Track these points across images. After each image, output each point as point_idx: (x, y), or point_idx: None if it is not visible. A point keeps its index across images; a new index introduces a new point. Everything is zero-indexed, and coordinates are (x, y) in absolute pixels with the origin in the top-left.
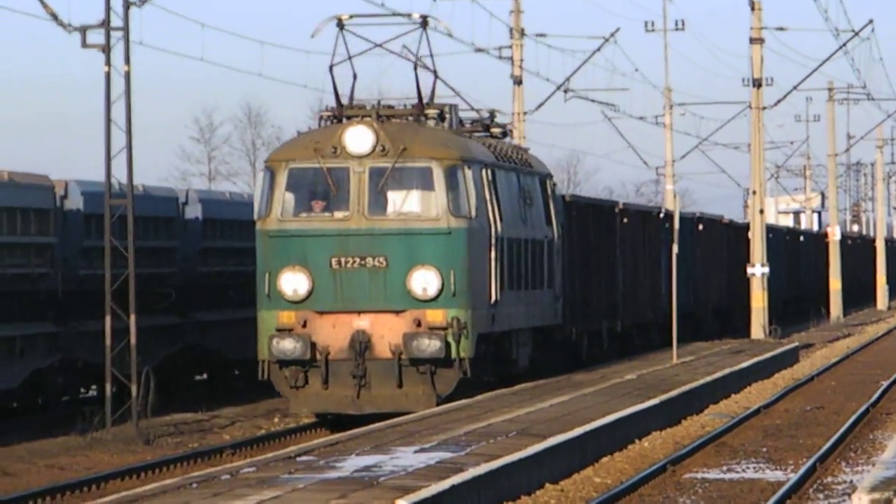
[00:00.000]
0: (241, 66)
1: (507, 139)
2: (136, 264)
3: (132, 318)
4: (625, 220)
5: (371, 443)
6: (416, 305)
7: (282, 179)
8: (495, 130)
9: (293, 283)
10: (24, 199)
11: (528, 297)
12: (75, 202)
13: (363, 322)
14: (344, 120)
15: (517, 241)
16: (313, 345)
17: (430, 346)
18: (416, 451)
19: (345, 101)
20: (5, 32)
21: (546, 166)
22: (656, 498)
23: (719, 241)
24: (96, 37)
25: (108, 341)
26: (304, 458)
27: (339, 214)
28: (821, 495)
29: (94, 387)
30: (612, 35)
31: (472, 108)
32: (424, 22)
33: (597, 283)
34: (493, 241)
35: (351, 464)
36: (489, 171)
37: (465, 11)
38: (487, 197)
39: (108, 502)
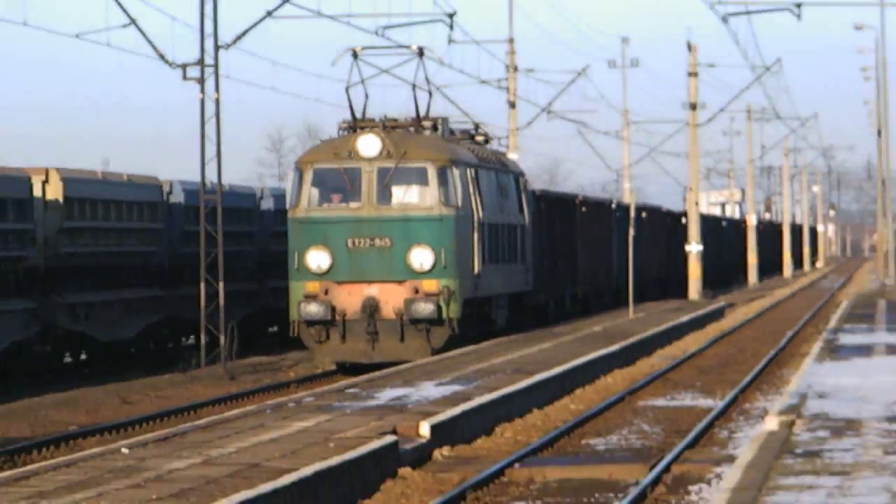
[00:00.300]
0: (303, 93)
1: (489, 145)
2: (223, 244)
3: (220, 285)
4: (583, 209)
5: (401, 379)
6: (415, 276)
7: (308, 177)
8: (479, 138)
9: (317, 259)
10: (139, 195)
11: (504, 269)
12: (178, 197)
13: (373, 290)
14: (357, 130)
15: (496, 225)
16: (333, 308)
17: (425, 308)
18: (435, 385)
19: (358, 115)
20: (123, 67)
21: (519, 166)
22: (617, 420)
23: (660, 226)
24: (194, 72)
25: (202, 302)
26: (351, 390)
27: (353, 205)
28: (741, 418)
29: (192, 337)
30: (583, 70)
31: (471, 120)
32: (421, 52)
33: (561, 259)
34: (476, 225)
35: (386, 395)
36: (472, 170)
37: (473, 51)
38: (471, 190)
39: (202, 424)
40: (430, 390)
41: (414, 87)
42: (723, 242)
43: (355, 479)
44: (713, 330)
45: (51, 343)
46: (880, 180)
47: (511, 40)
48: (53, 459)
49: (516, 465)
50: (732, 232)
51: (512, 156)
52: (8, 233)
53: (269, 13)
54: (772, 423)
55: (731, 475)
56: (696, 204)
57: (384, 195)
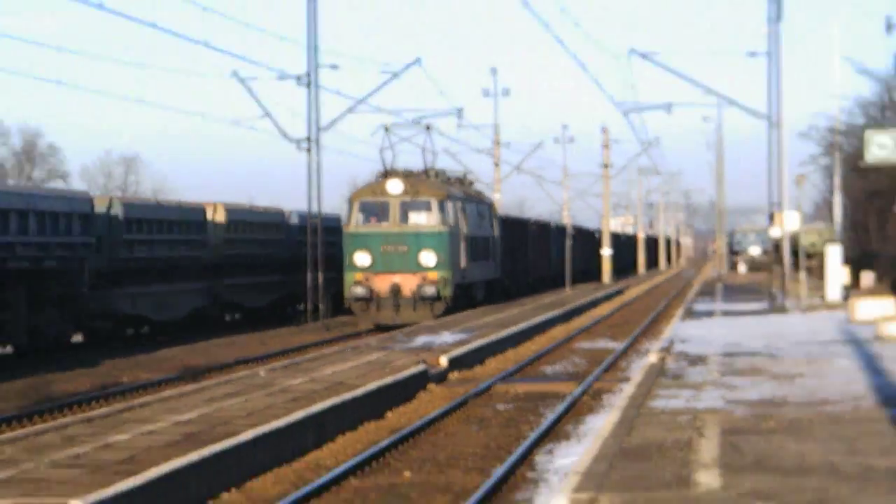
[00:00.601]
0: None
1: (473, 186)
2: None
3: (320, 274)
4: (533, 228)
5: (428, 331)
6: (423, 270)
7: (356, 206)
8: (465, 181)
9: (362, 258)
10: (270, 218)
11: (482, 265)
12: (294, 220)
13: (397, 278)
14: (387, 177)
15: (475, 237)
16: (371, 290)
17: (429, 290)
18: (450, 334)
19: (388, 167)
20: (254, 140)
21: (492, 199)
22: (559, 356)
23: (584, 238)
24: (304, 144)
25: (309, 283)
26: (399, 338)
27: (384, 224)
28: (634, 355)
29: (301, 305)
30: (539, 145)
31: (464, 171)
32: (427, 128)
33: (519, 259)
34: (462, 237)
35: (419, 341)
36: (460, 202)
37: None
38: (459, 215)
39: (309, 357)
40: (446, 337)
41: (423, 150)
42: (623, 249)
43: (402, 391)
44: (618, 301)
45: (217, 309)
46: (718, 211)
47: (496, 125)
48: (218, 378)
49: (499, 383)
50: (629, 242)
51: (496, 195)
52: (192, 242)
53: (350, 109)
54: (652, 358)
55: (628, 389)
56: (608, 225)
57: (404, 218)
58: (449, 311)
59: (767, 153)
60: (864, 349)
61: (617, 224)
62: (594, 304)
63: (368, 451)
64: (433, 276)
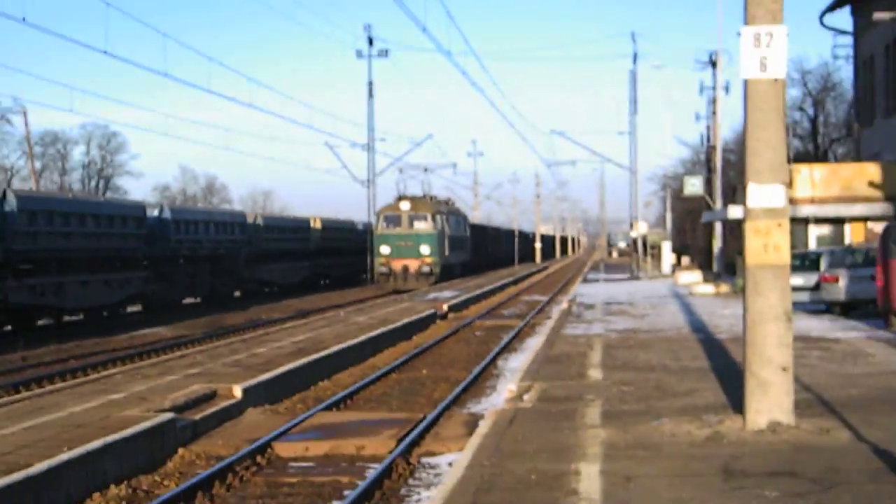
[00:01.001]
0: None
1: (454, 205)
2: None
3: (369, 258)
4: (491, 230)
5: (435, 291)
6: (422, 257)
7: (381, 217)
8: (450, 203)
9: (384, 249)
10: (345, 225)
11: (458, 253)
12: (360, 227)
13: (406, 262)
14: (400, 199)
15: (454, 237)
16: (391, 269)
17: (425, 269)
18: (449, 292)
19: (402, 193)
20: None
21: (466, 214)
22: (511, 305)
23: (525, 238)
24: (366, 183)
25: (368, 263)
26: (418, 295)
27: (398, 229)
28: (553, 304)
29: (364, 275)
30: (498, 185)
31: (451, 197)
32: (426, 169)
33: (483, 249)
34: (446, 237)
35: (430, 296)
36: (445, 215)
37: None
38: (443, 223)
39: (368, 304)
40: (446, 294)
41: (422, 183)
42: (547, 243)
43: (422, 324)
44: (544, 273)
45: (315, 277)
46: (601, 221)
47: (475, 173)
48: (317, 317)
49: (477, 320)
50: (551, 239)
51: (475, 212)
52: (301, 238)
53: (391, 164)
54: (564, 305)
55: (550, 323)
56: (539, 229)
57: (410, 225)
58: (437, 282)
59: (629, 188)
60: (683, 300)
61: (545, 229)
62: (531, 274)
63: (402, 358)
64: (428, 260)
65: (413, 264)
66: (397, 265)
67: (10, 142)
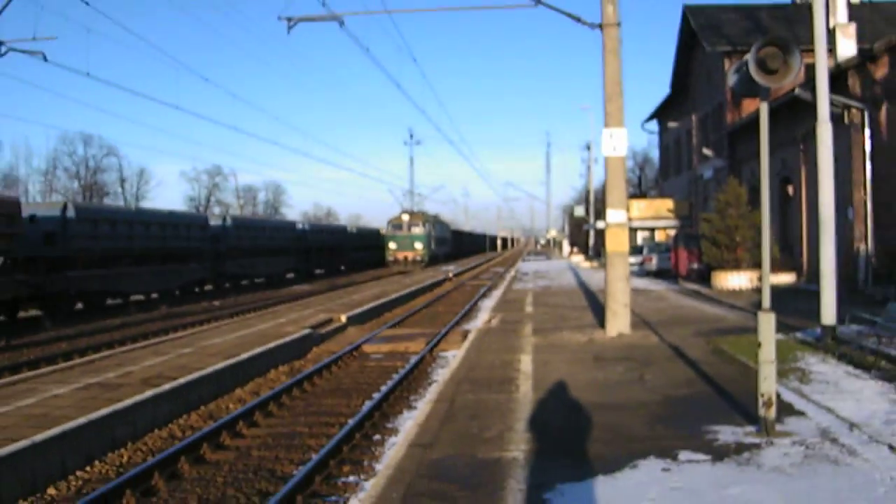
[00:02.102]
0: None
1: (440, 217)
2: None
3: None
4: (467, 234)
5: (443, 266)
6: (416, 250)
7: (389, 225)
8: (437, 216)
9: (392, 246)
10: (371, 232)
11: (443, 248)
12: (381, 231)
13: (406, 254)
14: (402, 213)
15: (440, 237)
16: (396, 256)
17: (417, 258)
18: (453, 266)
19: (404, 209)
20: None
21: (447, 222)
22: (485, 273)
23: (491, 238)
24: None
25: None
26: (433, 270)
27: (401, 231)
28: (508, 274)
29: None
30: (483, 206)
31: (438, 213)
32: (418, 193)
33: (462, 246)
34: (433, 237)
35: (442, 269)
36: (432, 224)
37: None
38: (431, 228)
39: (400, 276)
40: (450, 267)
41: (413, 200)
42: (502, 240)
43: (438, 283)
44: (501, 257)
45: (352, 264)
46: (531, 230)
47: (465, 206)
48: (360, 284)
49: (467, 281)
50: (505, 239)
51: (466, 226)
52: (344, 239)
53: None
54: (512, 272)
55: (505, 283)
56: (499, 233)
57: (408, 229)
58: (426, 266)
59: (545, 213)
60: (574, 270)
61: (503, 233)
62: (494, 257)
63: (426, 302)
64: (420, 253)
65: (410, 255)
66: (400, 255)
67: (225, 190)
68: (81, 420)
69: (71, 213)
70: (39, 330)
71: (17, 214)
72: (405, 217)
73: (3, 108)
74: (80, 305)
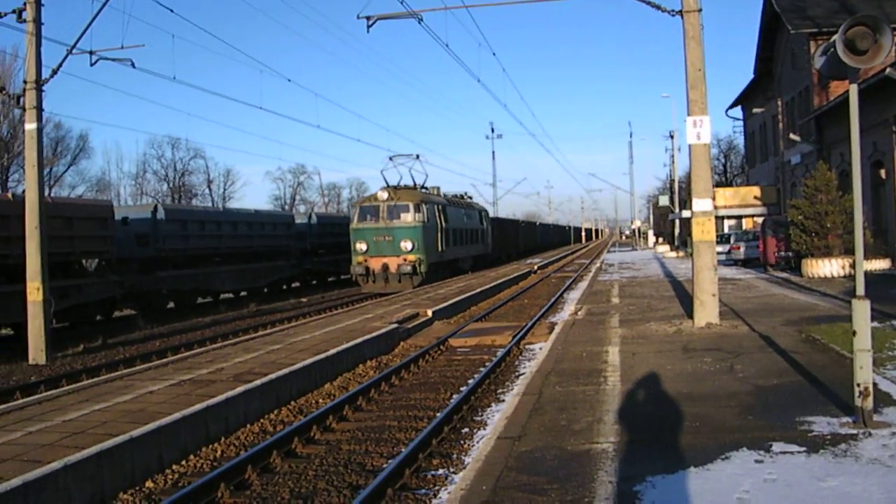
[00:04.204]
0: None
1: (470, 199)
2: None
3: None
4: (522, 224)
5: (527, 261)
6: (404, 254)
7: (357, 209)
8: (463, 197)
9: (361, 245)
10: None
11: (469, 247)
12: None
13: (385, 260)
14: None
15: (459, 229)
16: (367, 268)
17: (406, 268)
18: (538, 259)
19: (391, 183)
20: None
21: (484, 207)
22: (569, 266)
23: (576, 230)
24: (493, 208)
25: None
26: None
27: (375, 221)
28: (593, 265)
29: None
30: (523, 179)
31: (465, 193)
32: (417, 157)
33: (504, 242)
34: (440, 229)
35: (527, 261)
36: (439, 206)
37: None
38: (437, 214)
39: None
40: (535, 259)
41: (410, 169)
42: (588, 232)
43: (524, 277)
44: (585, 248)
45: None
46: (615, 220)
47: (494, 175)
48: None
49: (552, 273)
50: (590, 231)
51: (498, 207)
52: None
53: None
54: (597, 264)
55: (591, 275)
56: (583, 223)
57: (390, 217)
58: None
59: (629, 204)
60: (660, 261)
61: (587, 224)
62: (578, 249)
63: (511, 295)
64: (411, 257)
65: (394, 262)
66: (375, 263)
67: (310, 188)
68: (176, 415)
69: (161, 214)
70: (134, 329)
71: (110, 217)
72: (382, 194)
73: (94, 115)
74: (171, 304)
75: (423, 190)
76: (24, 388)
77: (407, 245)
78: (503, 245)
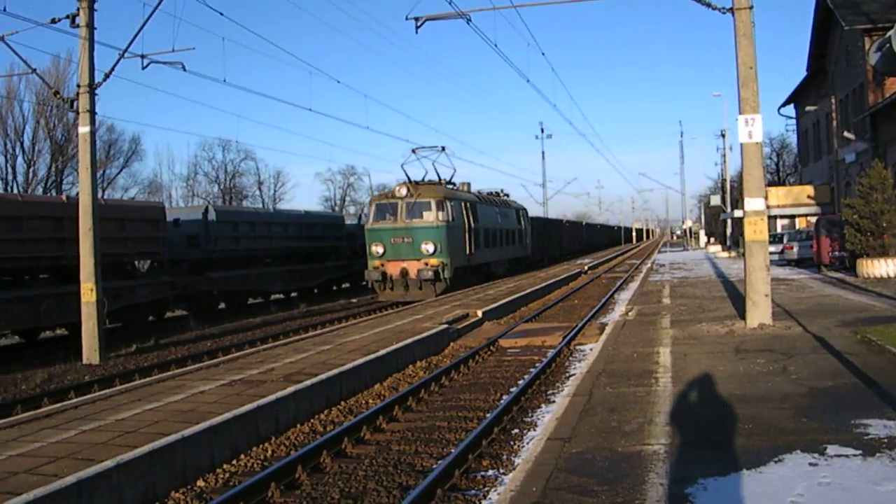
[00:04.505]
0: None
1: (508, 198)
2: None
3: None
4: (566, 224)
5: (583, 260)
6: (425, 257)
7: (373, 207)
8: (502, 195)
9: (377, 248)
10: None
11: (504, 248)
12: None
13: (405, 264)
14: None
15: (493, 229)
16: (384, 273)
17: (428, 273)
18: (588, 259)
19: (413, 179)
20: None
21: (521, 206)
22: (620, 266)
23: (626, 230)
24: (543, 205)
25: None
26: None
27: (393, 221)
28: (644, 265)
29: None
30: (573, 179)
31: (502, 190)
32: (443, 149)
33: (547, 243)
34: (467, 230)
35: (577, 262)
36: (466, 203)
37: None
38: (465, 213)
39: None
40: (585, 260)
41: (434, 162)
42: (638, 232)
43: (574, 277)
44: (635, 249)
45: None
46: (666, 220)
47: (544, 175)
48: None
49: (603, 273)
50: (637, 230)
51: (542, 207)
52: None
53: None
54: (648, 264)
55: (641, 275)
56: (633, 224)
57: (409, 215)
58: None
59: (680, 204)
60: (712, 261)
61: (637, 224)
62: (629, 249)
63: (562, 295)
64: (433, 261)
65: (413, 266)
66: (393, 268)
67: (359, 189)
68: (227, 415)
69: (212, 215)
70: (186, 329)
71: (161, 219)
72: (400, 191)
73: (146, 117)
74: (222, 305)
75: (451, 186)
76: (78, 388)
77: (429, 247)
78: (545, 246)
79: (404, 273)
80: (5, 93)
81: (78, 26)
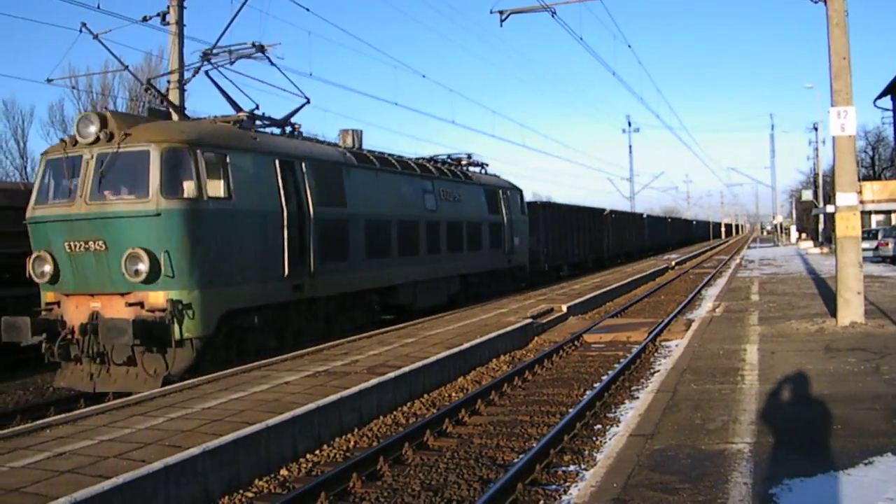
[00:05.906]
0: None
1: (483, 170)
2: None
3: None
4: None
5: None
6: (131, 286)
7: (40, 171)
8: (467, 162)
9: (42, 265)
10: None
11: (450, 258)
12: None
13: (96, 302)
14: None
15: (407, 220)
16: (57, 322)
17: (141, 327)
18: (675, 255)
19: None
20: None
21: (512, 183)
22: (708, 262)
23: (716, 225)
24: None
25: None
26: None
27: (71, 205)
28: (732, 261)
29: None
30: (707, 194)
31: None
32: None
33: (561, 240)
34: (286, 223)
35: (664, 256)
36: (298, 164)
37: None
38: (277, 183)
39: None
40: (671, 255)
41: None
42: (727, 228)
43: (661, 273)
44: (725, 244)
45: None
46: (756, 216)
47: (631, 169)
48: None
49: (693, 269)
50: (727, 225)
51: (635, 202)
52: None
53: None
54: (737, 260)
55: (730, 271)
56: (722, 220)
57: (103, 188)
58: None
59: (770, 198)
60: (803, 257)
61: (727, 220)
62: (717, 244)
63: (648, 291)
64: (155, 298)
65: (114, 310)
66: (75, 313)
67: None
68: (311, 406)
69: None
70: None
71: None
72: (88, 129)
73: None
74: None
75: (243, 121)
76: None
77: (137, 265)
78: (622, 243)
79: (95, 323)
80: (100, 89)
81: (168, 24)
